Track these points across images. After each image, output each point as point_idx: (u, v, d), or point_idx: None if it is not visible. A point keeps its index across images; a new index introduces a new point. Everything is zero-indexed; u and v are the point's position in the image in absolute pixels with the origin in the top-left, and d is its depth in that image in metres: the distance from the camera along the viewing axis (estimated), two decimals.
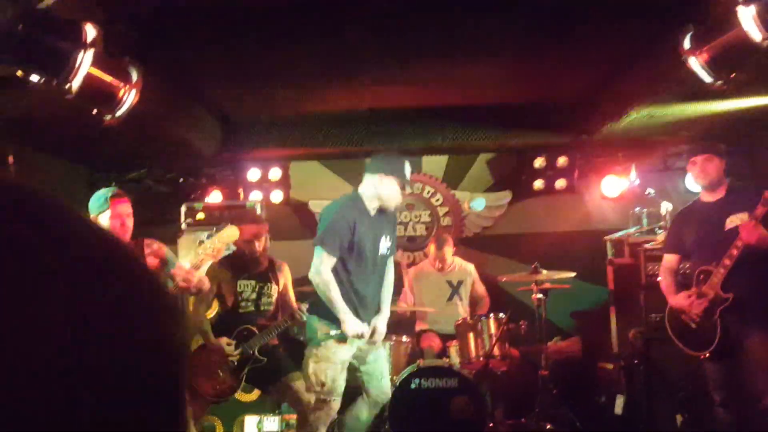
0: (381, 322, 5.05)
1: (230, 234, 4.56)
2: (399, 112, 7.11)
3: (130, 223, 4.55)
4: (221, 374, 5.25)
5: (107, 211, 4.48)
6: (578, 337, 7.45)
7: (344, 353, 4.95)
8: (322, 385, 4.86)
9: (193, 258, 4.48)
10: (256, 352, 5.31)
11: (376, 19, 4.73)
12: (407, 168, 4.90)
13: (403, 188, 4.85)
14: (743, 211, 4.73)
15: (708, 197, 5.05)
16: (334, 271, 4.76)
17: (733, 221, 4.78)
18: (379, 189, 4.83)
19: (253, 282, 5.51)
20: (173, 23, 4.61)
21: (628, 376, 6.28)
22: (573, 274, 6.50)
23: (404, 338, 6.42)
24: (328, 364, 4.91)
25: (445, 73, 6.00)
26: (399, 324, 7.12)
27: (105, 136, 6.24)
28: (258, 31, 4.84)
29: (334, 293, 4.63)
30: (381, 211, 4.93)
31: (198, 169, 8.17)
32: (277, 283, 5.60)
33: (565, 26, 4.97)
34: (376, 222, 4.90)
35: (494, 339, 5.91)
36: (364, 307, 4.92)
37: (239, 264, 5.51)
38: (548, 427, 6.17)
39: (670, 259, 5.21)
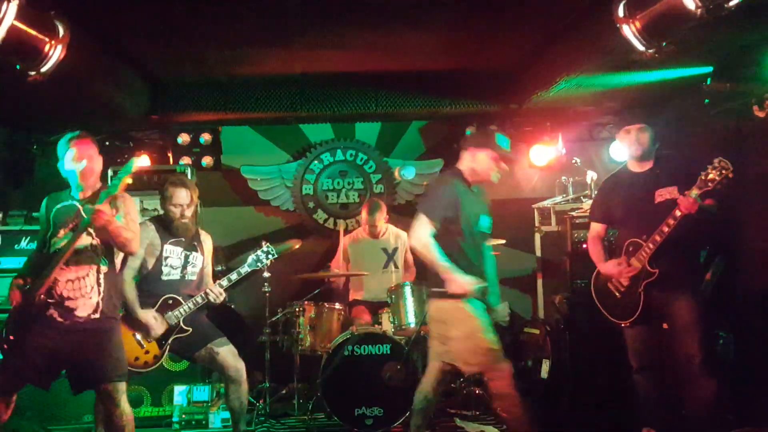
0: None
1: (140, 162, 4.48)
2: (332, 77, 7.05)
3: (95, 164, 4.53)
4: (144, 344, 5.16)
5: (69, 152, 4.47)
6: (506, 303, 7.59)
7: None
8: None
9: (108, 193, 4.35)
10: (181, 323, 5.24)
11: None
12: (501, 140, 4.85)
13: (497, 161, 4.78)
14: (672, 185, 4.83)
15: (636, 167, 5.11)
16: (437, 238, 4.63)
17: (662, 195, 4.87)
18: (474, 164, 4.77)
19: (179, 249, 5.37)
20: None
21: (553, 341, 6.42)
22: (503, 242, 6.61)
23: (337, 305, 6.44)
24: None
25: (378, 39, 5.96)
26: (332, 292, 7.15)
27: (27, 95, 6.06)
28: None
29: (434, 253, 4.49)
30: (479, 187, 4.86)
31: (125, 133, 7.98)
32: (203, 253, 5.50)
33: None
34: (477, 198, 4.83)
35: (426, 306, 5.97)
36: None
37: (166, 227, 5.36)
38: (477, 391, 6.32)
39: (597, 228, 5.31)
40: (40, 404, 5.99)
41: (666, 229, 4.68)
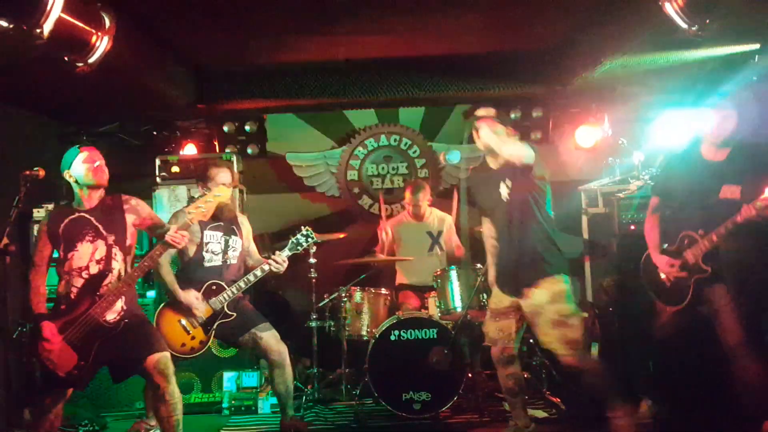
0: None
1: (221, 193, 4.55)
2: (376, 62, 7.07)
3: (103, 165, 4.56)
4: (190, 330, 5.24)
5: (78, 156, 4.49)
6: None
7: None
8: None
9: (183, 218, 4.47)
10: (226, 308, 5.31)
11: None
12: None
13: None
14: (738, 183, 4.62)
15: (710, 154, 4.85)
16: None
17: (725, 192, 4.67)
18: None
19: (219, 234, 5.44)
20: None
21: (602, 323, 6.37)
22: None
23: (383, 290, 6.46)
24: None
25: (422, 23, 5.95)
26: (379, 276, 7.17)
27: (75, 88, 6.16)
28: None
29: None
30: None
31: (171, 122, 8.08)
32: (241, 236, 5.56)
33: None
34: None
35: (473, 290, 5.96)
36: None
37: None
38: (526, 376, 6.27)
39: (653, 200, 5.22)
40: (93, 391, 6.11)
41: (724, 232, 4.56)
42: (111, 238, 4.47)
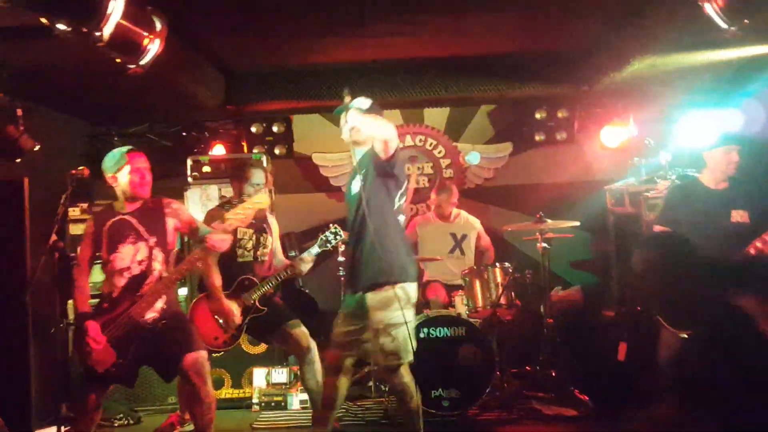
0: None
1: (261, 200, 4.61)
2: (401, 63, 7.08)
3: (149, 177, 4.61)
4: (222, 324, 5.33)
5: (126, 167, 4.54)
6: (579, 286, 7.55)
7: None
8: None
9: (223, 222, 4.53)
10: (257, 302, 5.38)
11: None
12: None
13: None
14: (745, 208, 4.94)
15: (711, 183, 5.19)
16: None
17: (735, 217, 4.96)
18: None
19: (251, 231, 5.52)
20: None
21: (630, 323, 6.38)
22: (577, 224, 6.58)
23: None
24: None
25: (448, 24, 5.97)
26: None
27: (106, 89, 6.25)
28: None
29: None
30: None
31: (200, 123, 8.19)
32: (271, 234, 5.64)
33: None
34: None
35: (501, 288, 6.01)
36: None
37: None
38: (552, 374, 6.32)
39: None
40: None
41: (753, 252, 4.71)
42: (152, 240, 4.53)
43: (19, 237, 5.94)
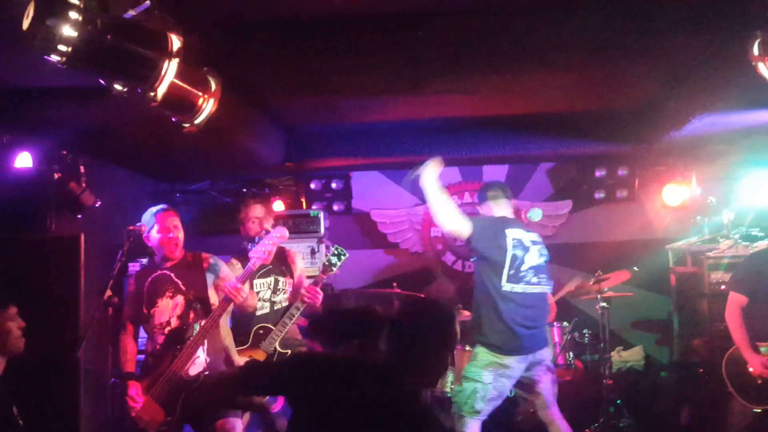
0: None
1: (279, 234, 4.65)
2: (460, 121, 7.13)
3: (178, 234, 4.68)
4: None
5: (155, 226, 4.64)
6: (641, 347, 7.40)
7: None
8: None
9: (240, 270, 4.56)
10: (278, 347, 5.25)
11: (439, 30, 4.76)
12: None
13: None
14: None
15: None
16: None
17: None
18: None
19: (268, 280, 5.42)
20: (239, 34, 4.70)
21: (692, 385, 6.22)
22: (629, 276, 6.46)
23: (467, 347, 6.44)
24: None
25: (507, 83, 5.99)
26: (462, 333, 7.14)
27: (170, 146, 6.42)
28: (322, 41, 4.89)
29: None
30: None
31: (261, 180, 8.33)
32: (291, 276, 5.51)
33: (629, 36, 4.95)
34: None
35: (558, 348, 5.92)
36: None
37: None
38: None
39: (738, 299, 5.19)
40: None
41: None
42: (191, 293, 4.57)
43: (73, 292, 5.99)
